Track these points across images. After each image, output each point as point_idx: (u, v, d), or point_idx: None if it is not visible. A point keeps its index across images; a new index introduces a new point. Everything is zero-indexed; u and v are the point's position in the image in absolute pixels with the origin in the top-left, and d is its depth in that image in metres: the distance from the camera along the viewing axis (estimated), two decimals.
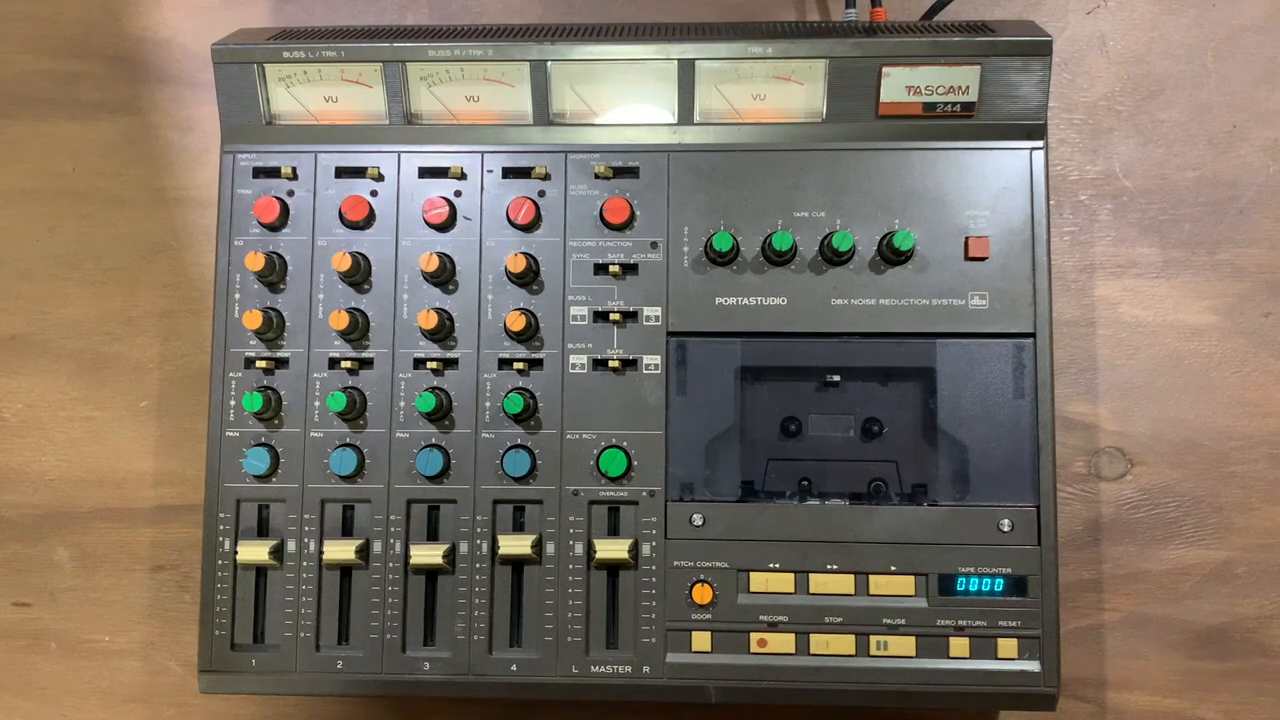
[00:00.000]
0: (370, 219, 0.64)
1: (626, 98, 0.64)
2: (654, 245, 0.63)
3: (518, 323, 0.61)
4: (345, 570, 0.62)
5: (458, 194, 0.64)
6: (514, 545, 0.60)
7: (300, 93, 0.65)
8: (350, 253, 0.62)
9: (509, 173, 0.64)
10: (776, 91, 0.63)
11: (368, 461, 0.62)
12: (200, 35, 0.74)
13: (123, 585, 0.71)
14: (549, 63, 0.63)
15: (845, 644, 0.60)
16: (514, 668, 0.61)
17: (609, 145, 0.64)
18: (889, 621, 0.60)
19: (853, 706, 0.60)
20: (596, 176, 0.63)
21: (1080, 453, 0.69)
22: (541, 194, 0.64)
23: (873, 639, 0.60)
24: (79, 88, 0.75)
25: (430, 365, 0.62)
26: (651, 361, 0.62)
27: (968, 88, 0.62)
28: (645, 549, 0.61)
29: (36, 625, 0.71)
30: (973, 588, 0.60)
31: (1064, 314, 0.69)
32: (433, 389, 0.62)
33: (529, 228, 0.63)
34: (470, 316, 0.63)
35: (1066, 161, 0.71)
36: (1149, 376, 0.69)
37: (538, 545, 0.61)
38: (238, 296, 0.64)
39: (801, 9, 0.75)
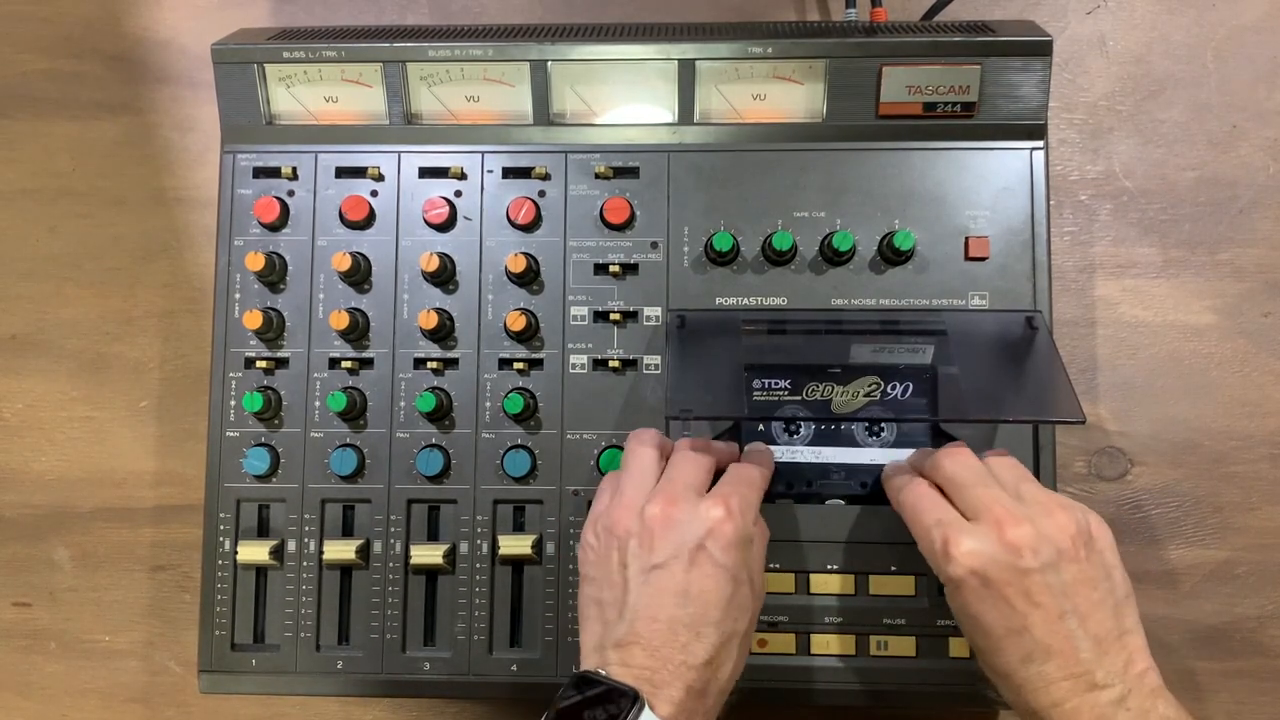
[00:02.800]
0: (370, 219, 0.64)
1: (626, 98, 0.64)
2: (654, 245, 0.63)
3: (518, 323, 0.61)
4: (345, 570, 0.62)
5: (458, 194, 0.64)
6: (514, 545, 0.60)
7: (300, 93, 0.64)
8: (350, 253, 0.62)
9: (509, 173, 0.64)
10: (776, 91, 0.63)
11: (368, 461, 0.62)
12: (200, 35, 0.74)
13: (123, 585, 0.71)
14: (549, 63, 0.63)
15: (845, 644, 0.60)
16: (514, 668, 0.61)
17: (609, 145, 0.64)
18: (889, 621, 0.60)
19: (853, 706, 0.60)
20: (596, 176, 0.63)
21: (1080, 453, 0.69)
22: (541, 194, 0.63)
23: (873, 639, 0.60)
24: (79, 88, 0.75)
25: (430, 365, 0.62)
26: (651, 361, 0.62)
27: (968, 87, 0.62)
28: None
29: (36, 625, 0.71)
30: None
31: (1064, 314, 0.69)
32: (433, 389, 0.62)
33: (529, 228, 0.63)
34: (470, 316, 0.63)
35: (1066, 161, 0.71)
36: (1149, 376, 0.69)
37: (538, 545, 0.61)
38: (238, 296, 0.64)
39: (801, 9, 0.75)
